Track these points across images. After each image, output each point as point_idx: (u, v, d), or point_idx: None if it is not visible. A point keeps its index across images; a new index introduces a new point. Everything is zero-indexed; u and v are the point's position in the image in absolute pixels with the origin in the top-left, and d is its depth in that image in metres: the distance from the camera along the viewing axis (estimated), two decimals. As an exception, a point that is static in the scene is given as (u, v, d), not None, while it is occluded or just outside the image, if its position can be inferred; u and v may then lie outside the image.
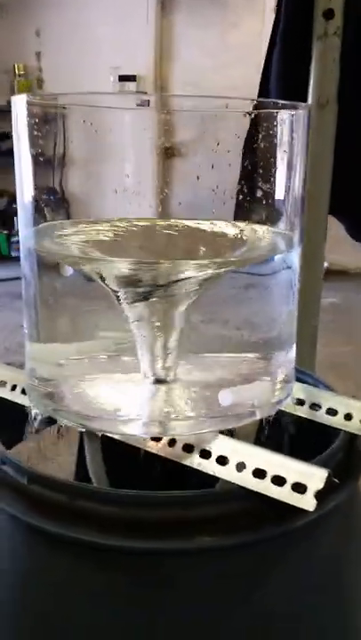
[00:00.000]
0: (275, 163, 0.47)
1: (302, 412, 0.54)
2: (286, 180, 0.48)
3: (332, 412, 0.53)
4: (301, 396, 0.55)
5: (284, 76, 1.08)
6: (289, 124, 0.47)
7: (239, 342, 0.50)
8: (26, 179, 0.48)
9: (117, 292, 0.48)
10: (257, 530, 0.43)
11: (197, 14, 3.74)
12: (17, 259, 0.52)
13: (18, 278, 0.52)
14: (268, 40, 3.51)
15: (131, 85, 3.90)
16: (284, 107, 0.47)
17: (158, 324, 0.48)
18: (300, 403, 0.54)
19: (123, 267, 0.47)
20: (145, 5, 3.78)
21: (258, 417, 0.48)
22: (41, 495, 0.45)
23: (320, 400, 0.54)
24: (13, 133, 0.48)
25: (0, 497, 0.47)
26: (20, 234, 0.51)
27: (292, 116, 0.47)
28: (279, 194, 0.48)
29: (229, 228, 0.50)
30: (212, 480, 0.47)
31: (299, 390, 0.55)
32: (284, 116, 0.47)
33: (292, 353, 0.51)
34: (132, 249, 0.52)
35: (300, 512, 0.43)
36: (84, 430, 0.56)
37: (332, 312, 2.66)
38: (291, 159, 0.48)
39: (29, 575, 0.46)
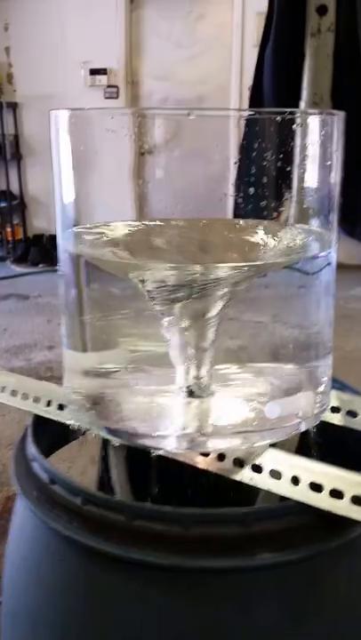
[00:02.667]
0: (305, 163, 0.47)
1: (339, 419, 0.54)
2: (318, 180, 0.48)
3: (369, 418, 0.52)
4: (336, 404, 0.54)
5: (277, 73, 1.07)
6: (320, 125, 0.47)
7: (281, 350, 0.50)
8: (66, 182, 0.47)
9: (153, 294, 0.47)
10: (315, 544, 0.43)
11: (166, 7, 3.70)
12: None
13: None
14: (237, 31, 3.49)
15: (102, 79, 3.85)
16: (318, 113, 0.46)
17: (192, 328, 0.47)
18: (336, 410, 0.54)
19: (159, 271, 0.46)
20: (114, 0, 3.72)
21: (303, 428, 0.48)
22: (98, 516, 0.44)
23: (356, 407, 0.54)
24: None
25: (52, 518, 0.46)
26: (58, 238, 0.50)
27: (323, 120, 0.47)
28: (313, 191, 0.48)
29: (262, 229, 0.49)
30: (237, 489, 0.46)
31: (333, 397, 0.55)
32: (315, 119, 0.47)
33: (331, 359, 0.51)
34: (167, 250, 0.51)
35: (355, 524, 0.43)
36: (126, 445, 0.56)
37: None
38: (323, 159, 0.47)
39: (90, 600, 0.45)
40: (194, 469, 0.48)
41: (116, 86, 3.84)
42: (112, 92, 3.85)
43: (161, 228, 0.50)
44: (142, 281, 0.47)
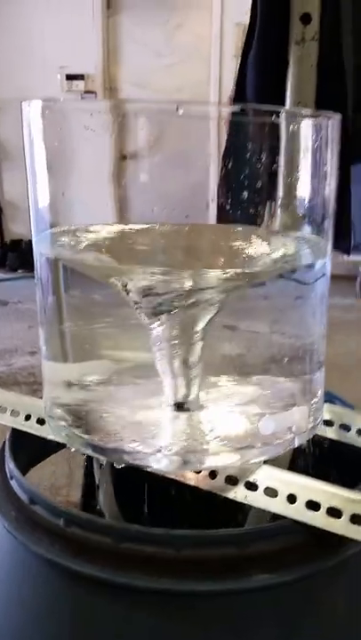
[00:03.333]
0: (298, 169, 0.45)
1: (332, 433, 0.52)
2: (312, 187, 0.46)
3: (363, 431, 0.51)
4: (328, 417, 0.53)
5: (260, 81, 1.06)
6: (315, 130, 0.45)
7: (274, 363, 0.48)
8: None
9: (139, 302, 0.44)
10: (311, 563, 0.41)
11: (143, 14, 3.69)
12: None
13: None
14: (215, 42, 3.49)
15: (79, 84, 3.82)
16: (312, 115, 0.45)
17: (180, 338, 0.45)
18: (329, 423, 0.52)
19: (145, 277, 0.44)
20: (90, 5, 3.70)
21: (297, 444, 0.46)
22: (82, 538, 0.42)
23: (349, 420, 0.52)
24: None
25: (33, 541, 0.44)
26: (33, 241, 0.47)
27: (318, 123, 0.45)
28: (304, 200, 0.46)
29: (254, 236, 0.47)
30: (228, 506, 0.44)
31: (324, 410, 0.53)
32: (309, 123, 0.45)
33: (323, 372, 0.49)
34: (153, 255, 0.49)
35: (349, 542, 0.41)
36: (104, 462, 0.53)
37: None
38: (317, 166, 0.46)
39: (75, 623, 0.42)
40: (184, 487, 0.46)
41: (94, 92, 3.81)
42: (89, 97, 3.83)
43: (146, 232, 0.48)
44: (126, 288, 0.44)
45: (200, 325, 0.45)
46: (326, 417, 0.52)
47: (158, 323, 0.45)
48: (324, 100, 1.05)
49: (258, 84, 1.09)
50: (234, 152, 0.45)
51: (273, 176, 0.45)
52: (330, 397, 0.56)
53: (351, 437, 0.51)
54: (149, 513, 0.57)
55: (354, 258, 2.87)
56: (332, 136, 0.45)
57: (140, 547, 0.40)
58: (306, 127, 0.44)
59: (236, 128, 0.45)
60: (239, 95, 1.10)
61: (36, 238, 0.47)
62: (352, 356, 2.14)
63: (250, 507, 0.45)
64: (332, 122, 0.45)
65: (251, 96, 1.09)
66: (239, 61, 1.13)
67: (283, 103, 1.07)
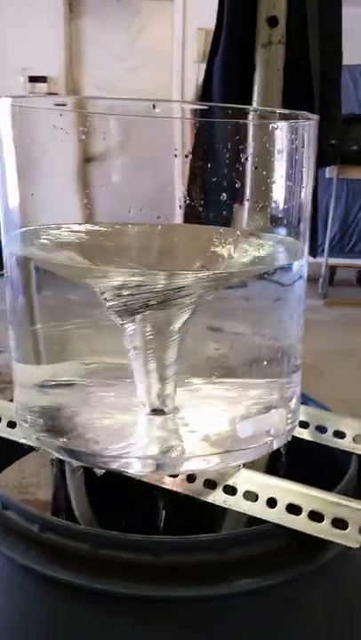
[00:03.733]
0: (275, 171, 0.44)
1: (308, 435, 0.51)
2: (287, 189, 0.45)
3: (339, 434, 0.50)
4: (303, 418, 0.52)
5: (227, 84, 1.06)
6: (288, 132, 0.44)
7: (252, 365, 0.47)
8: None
9: (112, 303, 0.43)
10: (293, 567, 0.40)
11: (106, 18, 3.67)
12: None
13: None
14: (177, 46, 3.49)
15: (42, 87, 3.77)
16: (284, 117, 0.44)
17: (154, 340, 0.44)
18: (304, 425, 0.52)
19: (119, 276, 0.42)
20: (52, 8, 3.66)
21: (275, 447, 0.46)
22: (59, 544, 0.40)
23: (324, 422, 0.51)
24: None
25: (7, 546, 0.42)
26: (2, 240, 0.46)
27: (292, 126, 0.45)
28: (281, 202, 0.45)
29: (229, 237, 0.46)
30: (196, 508, 0.44)
31: (300, 412, 0.52)
32: (281, 125, 0.44)
33: (300, 374, 0.49)
34: (126, 255, 0.47)
35: (329, 545, 0.40)
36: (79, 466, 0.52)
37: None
38: (293, 168, 0.45)
39: (51, 629, 0.41)
40: (160, 490, 0.45)
41: (57, 94, 3.77)
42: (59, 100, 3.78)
43: (119, 232, 0.47)
44: (99, 288, 0.43)
45: (175, 326, 0.44)
46: (302, 418, 0.52)
47: (132, 323, 0.44)
48: (290, 103, 1.05)
49: (224, 86, 1.09)
50: (207, 153, 0.44)
51: (247, 178, 0.44)
52: (304, 399, 0.55)
53: (328, 439, 0.50)
54: (124, 517, 0.55)
55: (319, 259, 2.90)
56: (308, 138, 0.44)
57: (118, 553, 0.39)
58: (283, 129, 0.44)
59: (211, 128, 0.44)
60: (206, 97, 1.10)
61: (6, 238, 0.45)
62: (323, 356, 2.15)
63: (226, 510, 0.44)
64: (310, 124, 0.44)
65: (217, 98, 1.08)
66: (206, 63, 1.12)
67: (249, 105, 1.07)
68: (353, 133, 2.66)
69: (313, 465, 0.51)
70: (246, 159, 0.43)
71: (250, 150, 0.43)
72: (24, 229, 0.45)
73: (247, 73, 1.04)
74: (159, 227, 0.47)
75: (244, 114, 0.45)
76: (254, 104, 1.06)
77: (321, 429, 0.51)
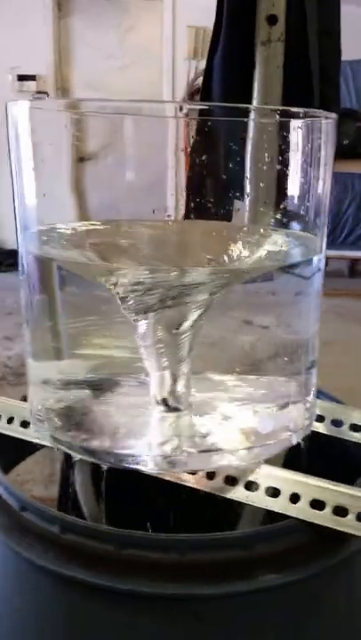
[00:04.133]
0: (292, 167, 0.44)
1: (324, 429, 0.51)
2: (307, 185, 0.45)
3: (355, 427, 0.50)
4: (319, 412, 0.52)
5: (227, 81, 1.05)
6: (306, 131, 0.44)
7: (272, 360, 0.47)
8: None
9: (126, 299, 0.43)
10: (316, 561, 0.40)
11: (95, 17, 3.65)
12: None
13: None
14: (167, 44, 3.48)
15: (30, 85, 3.75)
16: (301, 115, 0.44)
17: (167, 334, 0.44)
18: (320, 419, 0.51)
19: (134, 273, 0.42)
20: (41, 6, 3.64)
21: (294, 442, 0.45)
22: (79, 545, 0.40)
23: (340, 416, 0.51)
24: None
25: (25, 547, 0.41)
26: (18, 239, 0.45)
27: (309, 123, 0.44)
28: (294, 197, 0.45)
29: (243, 233, 0.46)
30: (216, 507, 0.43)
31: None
32: (298, 123, 0.44)
33: (316, 369, 0.48)
34: (140, 253, 0.47)
35: (351, 540, 0.40)
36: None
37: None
38: (310, 164, 0.45)
39: (69, 632, 0.40)
40: (168, 487, 0.44)
41: (46, 92, 3.75)
42: (41, 98, 3.75)
43: (133, 229, 0.47)
44: (114, 285, 0.42)
45: (188, 322, 0.44)
46: (318, 412, 0.51)
47: (146, 320, 0.43)
48: (290, 100, 1.04)
49: (225, 83, 1.08)
50: (217, 149, 0.43)
51: (266, 175, 0.44)
52: (318, 393, 0.55)
53: (344, 432, 0.50)
54: (130, 514, 0.55)
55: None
56: (326, 136, 0.44)
57: (143, 552, 0.38)
58: (302, 127, 0.43)
59: (235, 128, 0.43)
60: (206, 95, 1.09)
61: (22, 237, 0.44)
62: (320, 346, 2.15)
63: (234, 506, 0.44)
64: (328, 122, 0.44)
65: (217, 95, 1.08)
66: (206, 61, 1.12)
67: (249, 103, 1.06)
68: (344, 128, 2.67)
69: (328, 458, 0.51)
70: (271, 158, 0.43)
71: (274, 149, 0.43)
72: (39, 228, 0.44)
73: (247, 70, 1.03)
74: (173, 224, 0.46)
75: (270, 113, 0.45)
76: (254, 101, 1.05)
77: (337, 423, 0.51)
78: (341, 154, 2.79)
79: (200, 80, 3.57)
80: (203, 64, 3.68)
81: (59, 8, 3.68)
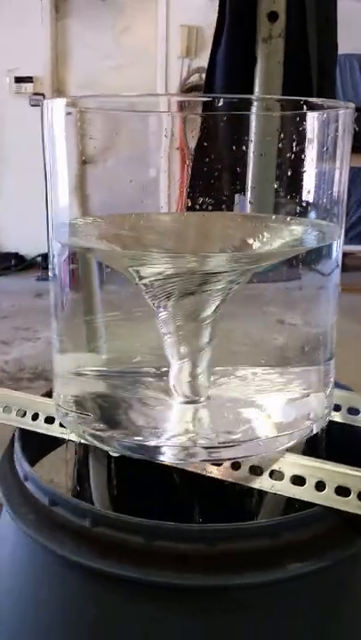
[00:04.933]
0: (309, 160, 0.44)
1: (341, 417, 0.51)
2: (325, 176, 0.45)
3: (372, 415, 0.50)
4: (336, 402, 0.52)
5: (229, 77, 1.05)
6: (320, 122, 0.44)
7: (292, 352, 0.47)
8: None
9: (150, 287, 0.43)
10: (342, 548, 0.40)
11: (91, 18, 3.63)
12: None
13: None
14: (161, 43, 3.47)
15: (27, 87, 3.73)
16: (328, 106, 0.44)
17: (188, 322, 0.44)
18: (337, 408, 0.52)
19: (158, 261, 0.42)
20: (39, 9, 3.62)
21: (315, 430, 0.45)
22: (110, 537, 0.40)
23: (355, 404, 0.51)
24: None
25: (56, 543, 0.41)
26: (49, 233, 0.45)
27: (322, 115, 0.44)
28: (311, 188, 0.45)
29: (262, 222, 0.46)
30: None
31: (332, 395, 0.52)
32: (314, 114, 0.44)
33: (334, 360, 0.48)
34: (162, 243, 0.47)
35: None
36: (116, 455, 0.51)
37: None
38: (328, 157, 0.45)
39: (104, 626, 0.40)
40: (184, 479, 0.44)
41: (43, 94, 3.73)
42: (38, 99, 3.74)
43: (157, 220, 0.46)
44: (139, 274, 0.43)
45: (209, 311, 0.44)
46: (335, 402, 0.52)
47: (168, 308, 0.43)
48: (290, 94, 1.04)
49: (227, 79, 1.08)
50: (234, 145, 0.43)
51: (287, 167, 0.44)
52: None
53: (360, 420, 0.50)
54: (143, 504, 0.55)
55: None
56: (344, 126, 0.44)
57: (172, 544, 0.38)
58: (319, 118, 0.43)
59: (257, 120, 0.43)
60: (209, 90, 1.09)
61: (52, 231, 0.44)
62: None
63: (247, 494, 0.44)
64: (346, 112, 0.44)
65: (220, 90, 1.08)
66: (208, 58, 1.11)
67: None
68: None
69: (346, 446, 0.51)
70: (291, 149, 0.43)
71: (294, 140, 0.43)
72: (70, 221, 0.44)
73: (249, 66, 1.03)
74: (195, 215, 0.46)
75: (292, 104, 0.44)
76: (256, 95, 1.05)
77: (353, 411, 0.51)
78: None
79: (193, 78, 3.57)
80: (196, 62, 3.68)
81: (56, 10, 3.67)
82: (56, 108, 0.41)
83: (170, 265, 0.41)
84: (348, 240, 3.33)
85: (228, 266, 0.42)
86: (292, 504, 0.44)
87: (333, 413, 0.51)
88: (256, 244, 0.44)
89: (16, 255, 3.71)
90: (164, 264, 0.41)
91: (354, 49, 3.14)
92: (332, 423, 0.51)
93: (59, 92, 3.81)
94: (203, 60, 3.28)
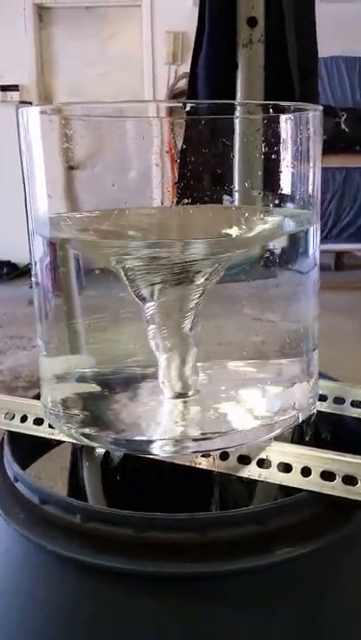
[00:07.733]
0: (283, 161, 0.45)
1: (327, 407, 0.52)
2: (299, 176, 0.46)
3: (356, 403, 0.51)
4: (321, 392, 0.53)
5: (210, 83, 1.06)
6: (295, 123, 0.45)
7: (277, 345, 0.48)
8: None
9: (133, 279, 0.43)
10: (330, 532, 0.41)
11: (76, 26, 3.65)
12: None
13: None
14: (147, 49, 3.49)
15: (14, 95, 3.74)
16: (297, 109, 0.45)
17: (173, 313, 0.44)
18: (323, 398, 0.53)
19: (138, 248, 0.43)
20: (22, 18, 3.63)
21: (301, 420, 0.46)
22: (102, 532, 0.40)
23: (341, 394, 0.52)
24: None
25: (48, 540, 0.42)
26: (30, 227, 0.46)
27: (296, 116, 0.45)
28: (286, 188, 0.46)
29: (238, 213, 0.47)
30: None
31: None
32: (288, 116, 0.45)
33: (317, 352, 0.49)
34: (146, 233, 0.48)
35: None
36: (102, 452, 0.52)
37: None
38: (301, 158, 0.46)
39: (101, 620, 0.41)
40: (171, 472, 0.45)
41: (30, 102, 3.74)
42: (25, 107, 3.75)
43: (139, 213, 0.47)
44: (123, 266, 0.43)
45: (192, 302, 0.45)
46: (320, 392, 0.53)
47: (152, 301, 0.44)
48: (272, 98, 1.06)
49: (209, 84, 1.09)
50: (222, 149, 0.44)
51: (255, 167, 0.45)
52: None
53: (346, 409, 0.51)
54: (134, 497, 0.56)
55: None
56: (314, 128, 0.45)
57: (163, 534, 0.39)
58: (291, 120, 0.44)
59: (230, 125, 0.44)
60: (192, 96, 1.10)
61: (34, 227, 0.45)
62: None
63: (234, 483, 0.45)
64: (316, 114, 0.45)
65: (203, 96, 1.09)
66: (190, 63, 1.12)
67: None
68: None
69: (336, 436, 0.52)
70: (264, 152, 0.44)
71: (266, 142, 0.44)
72: (52, 215, 0.45)
73: (230, 71, 1.04)
74: (175, 208, 0.47)
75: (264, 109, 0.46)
76: (238, 100, 1.06)
77: (339, 401, 0.52)
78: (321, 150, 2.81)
79: (180, 83, 3.58)
80: (182, 68, 3.69)
81: (40, 19, 3.68)
82: (31, 115, 0.42)
83: (150, 251, 0.42)
84: (344, 239, 3.36)
85: (208, 251, 0.43)
86: (288, 494, 0.45)
87: (320, 403, 0.52)
88: (235, 232, 0.45)
89: (8, 263, 3.71)
90: (145, 251, 0.42)
91: (342, 51, 3.17)
92: (319, 413, 0.52)
93: (46, 99, 3.82)
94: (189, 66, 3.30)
